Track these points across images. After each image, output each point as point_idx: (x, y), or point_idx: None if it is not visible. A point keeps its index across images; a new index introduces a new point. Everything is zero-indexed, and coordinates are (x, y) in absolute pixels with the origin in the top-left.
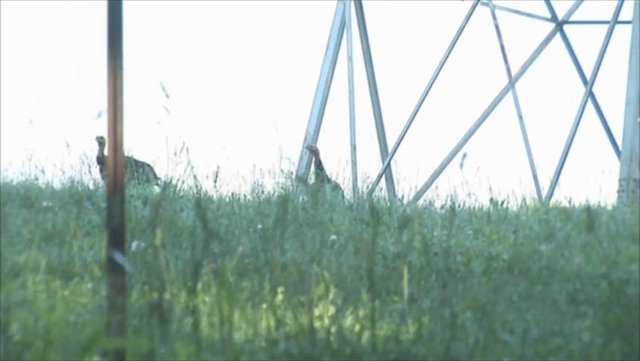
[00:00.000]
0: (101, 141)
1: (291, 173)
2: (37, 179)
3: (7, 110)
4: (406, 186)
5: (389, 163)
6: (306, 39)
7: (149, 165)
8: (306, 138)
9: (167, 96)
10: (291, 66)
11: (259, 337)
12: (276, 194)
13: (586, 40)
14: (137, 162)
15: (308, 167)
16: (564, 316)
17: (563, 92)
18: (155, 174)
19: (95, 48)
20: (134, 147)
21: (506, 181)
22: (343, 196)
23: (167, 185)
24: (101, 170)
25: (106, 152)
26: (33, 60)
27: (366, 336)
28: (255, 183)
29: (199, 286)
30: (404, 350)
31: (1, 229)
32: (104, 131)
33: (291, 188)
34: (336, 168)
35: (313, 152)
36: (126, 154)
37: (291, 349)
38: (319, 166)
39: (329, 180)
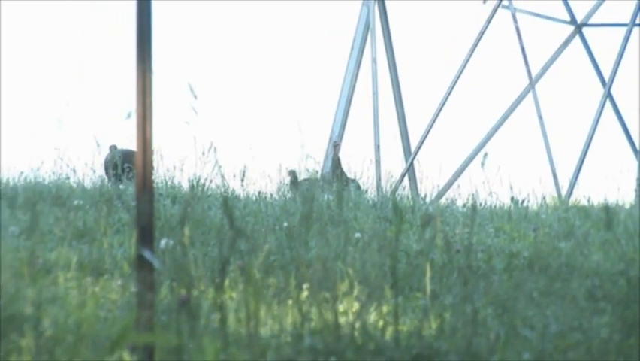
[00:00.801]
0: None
1: (316, 172)
2: (68, 178)
3: (38, 110)
4: (429, 185)
5: (412, 162)
6: (330, 41)
7: None
8: (330, 138)
9: (195, 97)
10: (316, 67)
11: (285, 332)
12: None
13: (604, 42)
14: None
15: (336, 166)
16: (583, 312)
17: (582, 93)
18: None
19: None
20: (162, 147)
21: (527, 180)
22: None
23: (195, 184)
24: (107, 173)
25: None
26: (63, 60)
27: (389, 332)
28: (280, 182)
29: (226, 282)
30: (426, 345)
31: (33, 227)
32: (133, 130)
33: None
34: (360, 167)
35: (335, 146)
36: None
37: (316, 344)
38: (337, 164)
39: (351, 180)
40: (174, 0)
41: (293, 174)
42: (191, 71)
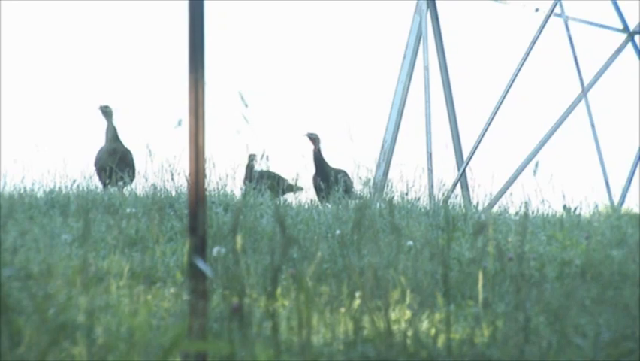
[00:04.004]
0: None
1: (369, 180)
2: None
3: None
4: (481, 193)
5: (464, 171)
6: (382, 49)
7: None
8: (383, 147)
9: (246, 105)
10: (367, 76)
11: (337, 340)
12: (353, 201)
13: None
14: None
15: (386, 173)
16: (635, 320)
17: (634, 101)
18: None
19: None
20: (214, 155)
21: (579, 188)
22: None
23: (247, 192)
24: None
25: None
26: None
27: (441, 339)
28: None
29: (278, 290)
30: (478, 353)
31: (86, 235)
32: (185, 139)
33: (368, 195)
34: (413, 175)
35: (313, 140)
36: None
37: (368, 352)
38: (318, 155)
39: (339, 171)
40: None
41: (251, 158)
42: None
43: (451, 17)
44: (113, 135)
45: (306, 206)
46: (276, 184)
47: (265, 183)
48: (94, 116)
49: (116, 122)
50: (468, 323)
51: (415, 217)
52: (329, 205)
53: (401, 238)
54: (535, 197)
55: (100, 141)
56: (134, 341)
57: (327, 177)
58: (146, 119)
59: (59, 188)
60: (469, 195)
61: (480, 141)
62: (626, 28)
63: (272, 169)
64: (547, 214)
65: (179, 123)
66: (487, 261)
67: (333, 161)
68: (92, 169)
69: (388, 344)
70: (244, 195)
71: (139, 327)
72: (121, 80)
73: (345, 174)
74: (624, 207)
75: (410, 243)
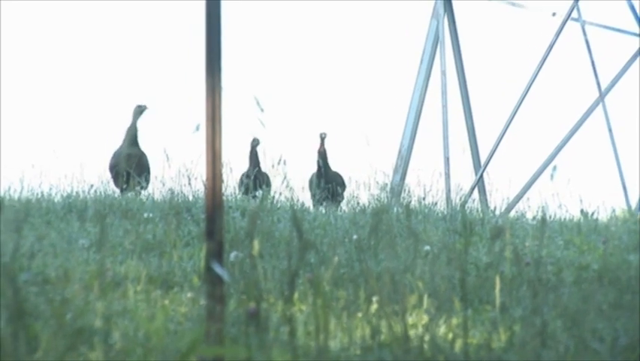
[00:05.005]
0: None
1: (386, 185)
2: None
3: (108, 123)
4: (498, 198)
5: (482, 175)
6: (399, 54)
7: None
8: (400, 151)
9: (262, 110)
10: (384, 80)
11: (354, 345)
12: (370, 205)
13: None
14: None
15: (403, 178)
16: None
17: None
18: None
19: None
20: (231, 159)
21: (596, 193)
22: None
23: (264, 197)
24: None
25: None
26: (130, 73)
27: (458, 344)
28: (350, 194)
29: (296, 295)
30: (496, 357)
31: (103, 240)
32: (202, 143)
33: (385, 200)
34: (430, 180)
35: (322, 140)
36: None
37: (386, 357)
38: (323, 156)
39: (337, 174)
40: (241, 14)
41: (254, 142)
42: (257, 82)
43: (468, 21)
44: (132, 137)
45: (323, 211)
46: (341, 186)
47: (337, 185)
48: (111, 120)
49: (140, 123)
50: (485, 328)
51: (432, 222)
52: (322, 208)
53: (418, 243)
54: (553, 201)
55: (116, 143)
56: (151, 346)
57: (328, 179)
58: (163, 124)
59: (77, 193)
60: (486, 200)
61: (497, 146)
62: None
63: (290, 174)
64: (565, 219)
65: (197, 128)
66: (505, 265)
67: (342, 165)
68: (108, 174)
69: (405, 349)
70: (261, 199)
71: (156, 332)
72: (139, 84)
73: (341, 177)
74: None
75: (427, 247)
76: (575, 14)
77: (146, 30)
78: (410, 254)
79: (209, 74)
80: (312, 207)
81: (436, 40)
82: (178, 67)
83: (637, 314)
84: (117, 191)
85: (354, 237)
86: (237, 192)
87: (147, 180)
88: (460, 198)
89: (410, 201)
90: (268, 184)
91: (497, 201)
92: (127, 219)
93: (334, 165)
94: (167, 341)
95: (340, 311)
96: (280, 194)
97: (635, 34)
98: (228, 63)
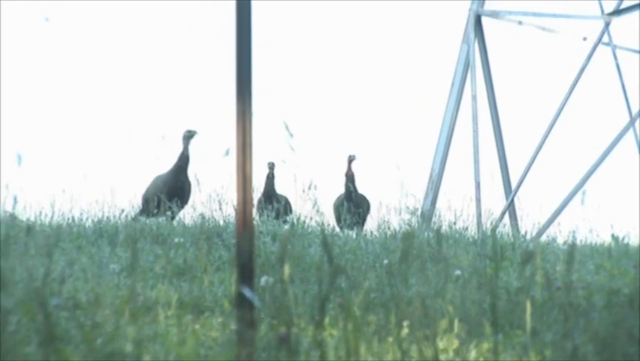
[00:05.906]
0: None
1: (416, 210)
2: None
3: (136, 146)
4: (529, 223)
5: (512, 200)
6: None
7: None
8: (431, 176)
9: (292, 135)
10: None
11: None
12: (401, 230)
13: None
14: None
15: (434, 202)
16: None
17: None
18: (289, 208)
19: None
20: (262, 184)
21: (627, 217)
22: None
23: (295, 222)
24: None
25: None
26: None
27: None
28: (380, 219)
29: (326, 320)
30: None
31: (134, 265)
32: (232, 168)
33: (416, 224)
34: (461, 204)
35: (350, 161)
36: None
37: None
38: (352, 179)
39: (363, 197)
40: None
41: (270, 166)
42: (287, 105)
43: (499, 46)
44: (182, 165)
45: (354, 236)
46: (367, 210)
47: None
48: (140, 145)
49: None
50: (516, 352)
51: (462, 247)
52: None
53: (449, 268)
54: (584, 226)
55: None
56: None
57: (358, 203)
58: (194, 149)
59: (107, 218)
60: (517, 225)
61: (528, 170)
62: None
63: (321, 199)
64: (596, 243)
65: (227, 153)
66: (535, 290)
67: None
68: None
69: None
70: (292, 225)
71: (187, 356)
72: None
73: (367, 201)
74: None
75: (458, 272)
76: (605, 38)
77: (176, 55)
78: (441, 279)
79: (240, 100)
80: (337, 229)
81: (466, 65)
82: (206, 91)
83: None
84: (143, 217)
85: (385, 261)
86: (256, 214)
87: (181, 208)
88: (491, 223)
89: (441, 226)
90: (287, 206)
91: (528, 225)
92: (158, 244)
93: (364, 188)
94: None
95: (371, 336)
96: (311, 219)
97: None
98: (258, 88)
